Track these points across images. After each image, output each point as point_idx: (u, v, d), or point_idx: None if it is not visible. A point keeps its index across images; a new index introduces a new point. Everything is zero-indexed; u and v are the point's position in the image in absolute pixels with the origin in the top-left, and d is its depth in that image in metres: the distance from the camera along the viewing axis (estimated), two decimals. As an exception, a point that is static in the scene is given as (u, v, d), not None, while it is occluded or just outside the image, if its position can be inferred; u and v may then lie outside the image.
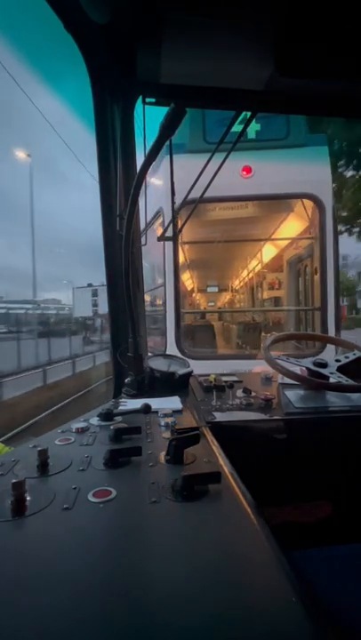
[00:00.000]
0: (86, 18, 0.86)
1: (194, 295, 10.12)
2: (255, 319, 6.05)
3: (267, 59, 0.91)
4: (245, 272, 7.92)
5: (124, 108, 1.18)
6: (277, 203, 4.00)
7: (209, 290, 10.53)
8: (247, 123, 1.23)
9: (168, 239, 1.48)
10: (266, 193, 3.25)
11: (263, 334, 5.29)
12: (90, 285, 60.82)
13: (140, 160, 1.21)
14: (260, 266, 6.49)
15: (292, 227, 4.64)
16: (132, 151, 1.25)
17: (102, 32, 0.92)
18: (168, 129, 0.88)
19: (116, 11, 0.86)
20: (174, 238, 1.46)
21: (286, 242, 5.19)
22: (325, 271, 3.21)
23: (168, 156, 1.30)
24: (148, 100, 1.12)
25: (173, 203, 1.40)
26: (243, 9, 0.82)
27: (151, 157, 0.94)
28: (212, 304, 11.29)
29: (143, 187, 1.09)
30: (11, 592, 0.37)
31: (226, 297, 10.74)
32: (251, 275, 7.36)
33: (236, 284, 9.72)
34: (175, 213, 1.43)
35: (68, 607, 0.34)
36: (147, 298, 4.12)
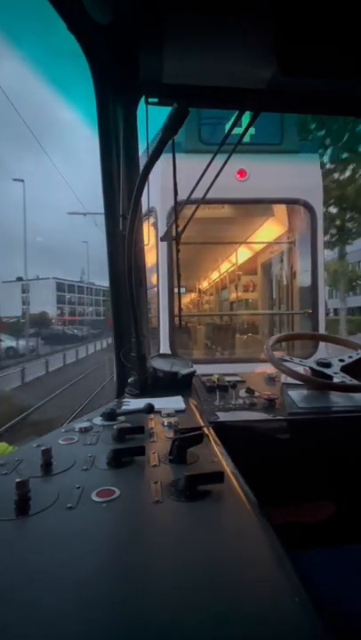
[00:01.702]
0: (89, 18, 0.86)
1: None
2: (232, 321, 6.14)
3: (269, 58, 0.91)
4: (217, 274, 7.96)
5: (127, 108, 1.18)
6: (260, 206, 4.01)
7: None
8: (249, 123, 1.23)
9: (170, 239, 1.48)
10: (259, 197, 3.26)
11: (239, 335, 5.36)
12: (19, 279, 49.56)
13: (142, 160, 1.21)
14: (234, 268, 6.54)
15: (270, 230, 4.67)
16: (134, 151, 1.25)
17: (105, 32, 0.93)
18: (171, 129, 0.88)
19: (118, 11, 0.86)
20: (177, 238, 1.46)
21: (263, 245, 5.23)
22: (316, 275, 3.25)
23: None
24: (150, 99, 1.12)
25: (176, 202, 1.40)
26: (245, 8, 0.82)
27: (154, 157, 0.94)
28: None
29: (146, 186, 1.08)
30: (14, 590, 0.37)
31: (206, 298, 10.65)
32: (225, 277, 7.41)
33: (205, 285, 9.67)
34: (177, 214, 1.43)
35: (71, 606, 0.35)
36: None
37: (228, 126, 3.31)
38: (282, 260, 4.58)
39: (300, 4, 0.81)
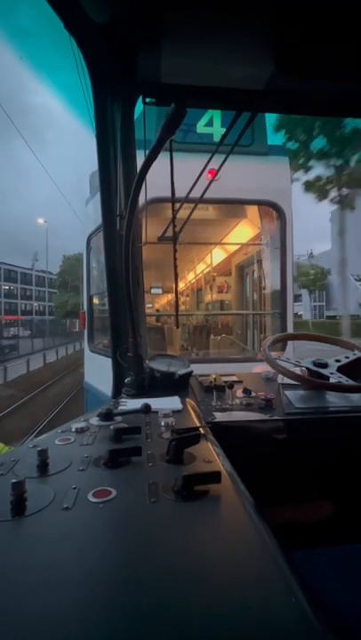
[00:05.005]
0: (86, 17, 0.86)
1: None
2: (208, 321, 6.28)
3: (268, 58, 0.91)
4: (192, 275, 8.09)
5: (125, 108, 1.18)
6: (233, 208, 4.05)
7: (153, 292, 9.82)
8: (247, 123, 1.23)
9: (168, 239, 1.48)
10: (230, 197, 3.27)
11: (212, 336, 5.40)
12: None
13: (140, 160, 1.20)
14: (210, 269, 6.62)
15: (243, 232, 4.73)
16: (132, 151, 1.25)
17: (103, 31, 0.92)
18: (169, 129, 0.88)
19: (116, 10, 0.85)
20: (175, 239, 1.46)
21: (237, 247, 5.32)
22: (285, 276, 3.30)
23: None
24: (148, 99, 1.12)
25: (174, 203, 1.40)
26: (244, 8, 0.82)
27: (152, 157, 0.94)
28: (150, 305, 10.73)
29: (144, 186, 1.09)
30: (10, 591, 0.36)
31: (183, 299, 10.58)
32: (200, 278, 7.49)
33: (181, 286, 9.72)
34: (175, 215, 1.42)
35: (67, 607, 0.34)
36: (96, 301, 4.13)
37: (199, 126, 3.32)
38: (254, 262, 4.67)
39: (299, 4, 0.81)
